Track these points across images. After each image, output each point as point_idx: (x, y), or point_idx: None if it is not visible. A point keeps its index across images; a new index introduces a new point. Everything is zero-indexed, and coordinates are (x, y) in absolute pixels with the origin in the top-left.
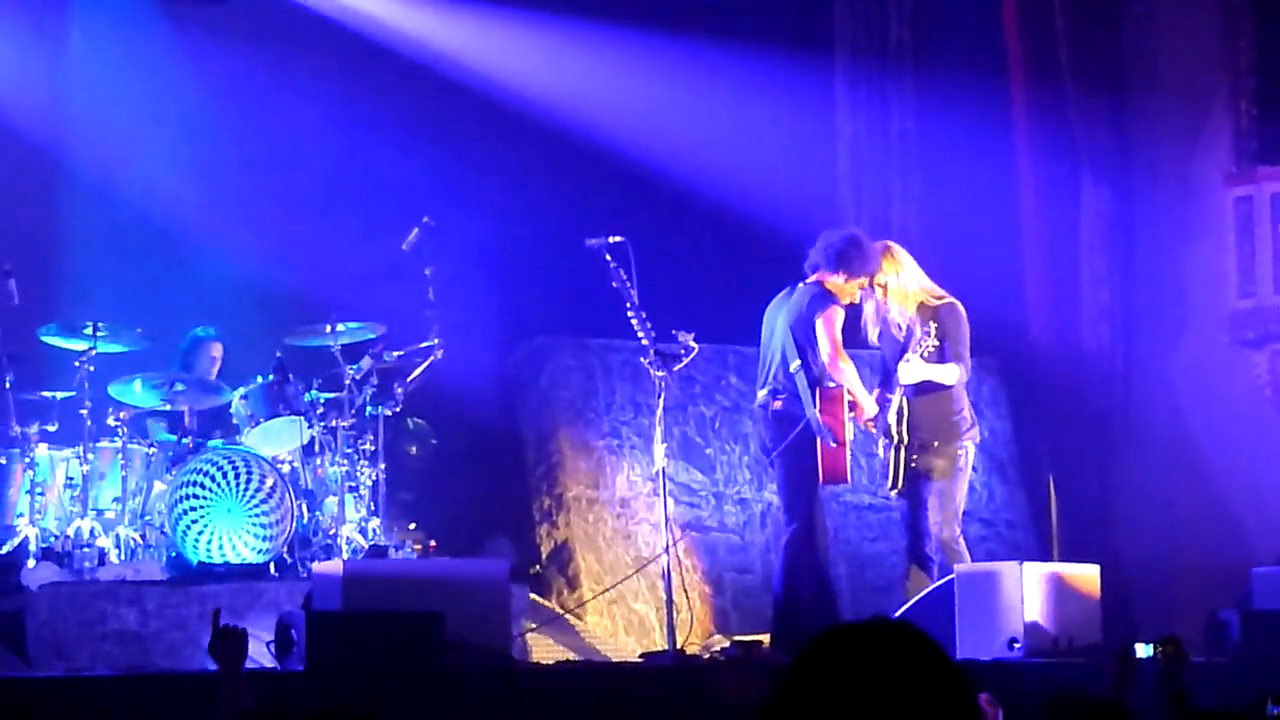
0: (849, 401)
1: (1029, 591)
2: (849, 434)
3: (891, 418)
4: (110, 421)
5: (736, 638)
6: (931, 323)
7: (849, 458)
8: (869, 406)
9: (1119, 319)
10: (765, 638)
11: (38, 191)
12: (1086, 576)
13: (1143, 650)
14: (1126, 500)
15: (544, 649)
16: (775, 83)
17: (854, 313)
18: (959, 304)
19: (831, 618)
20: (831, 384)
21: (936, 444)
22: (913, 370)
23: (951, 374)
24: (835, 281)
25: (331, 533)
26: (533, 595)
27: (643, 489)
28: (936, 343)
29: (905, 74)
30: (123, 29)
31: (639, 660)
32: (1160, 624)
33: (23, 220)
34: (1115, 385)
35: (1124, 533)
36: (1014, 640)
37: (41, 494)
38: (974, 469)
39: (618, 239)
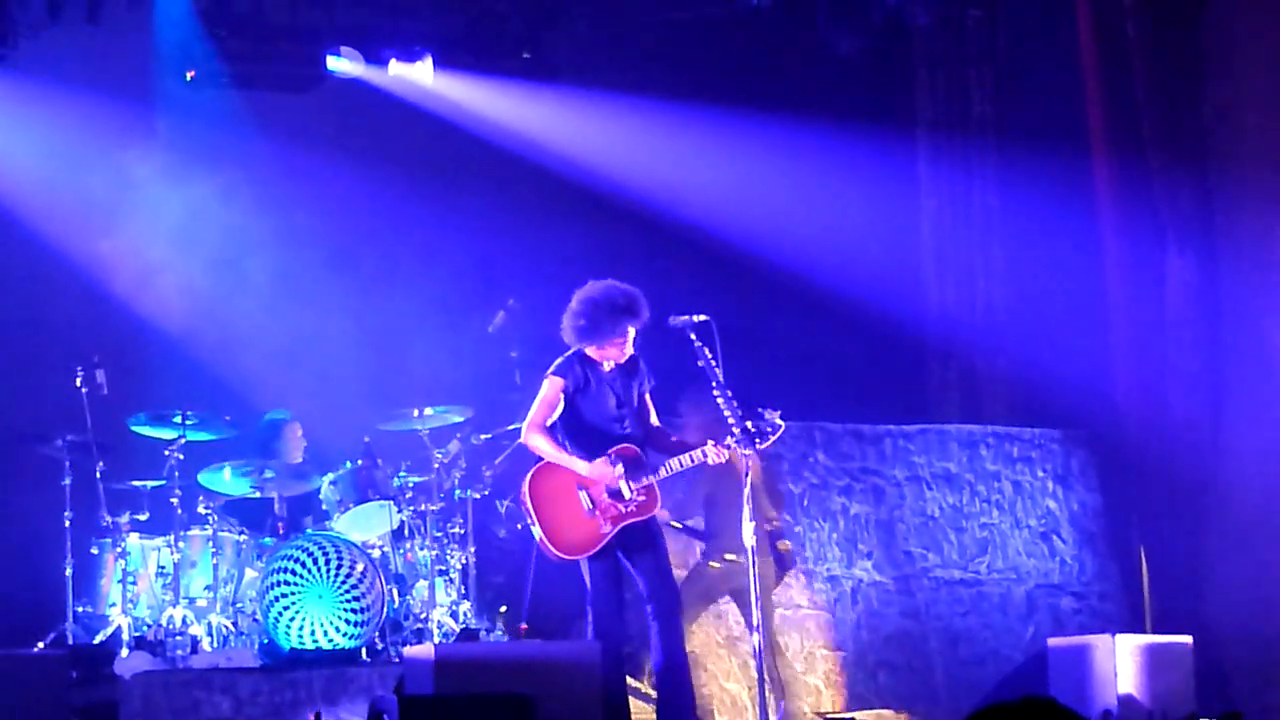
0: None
1: (1122, 664)
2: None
3: None
4: (200, 509)
5: (830, 715)
6: None
7: (547, 533)
8: (581, 469)
9: (1207, 388)
10: (859, 715)
11: (125, 285)
12: (1180, 648)
13: None
14: (1219, 570)
15: None
16: (858, 159)
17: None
18: None
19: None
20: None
21: None
22: None
23: None
24: (591, 348)
25: (422, 617)
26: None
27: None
28: None
29: (987, 148)
30: (207, 121)
31: None
32: (1256, 696)
33: (111, 313)
34: (1205, 455)
35: (1217, 603)
36: (1108, 713)
37: (133, 583)
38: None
39: (702, 318)
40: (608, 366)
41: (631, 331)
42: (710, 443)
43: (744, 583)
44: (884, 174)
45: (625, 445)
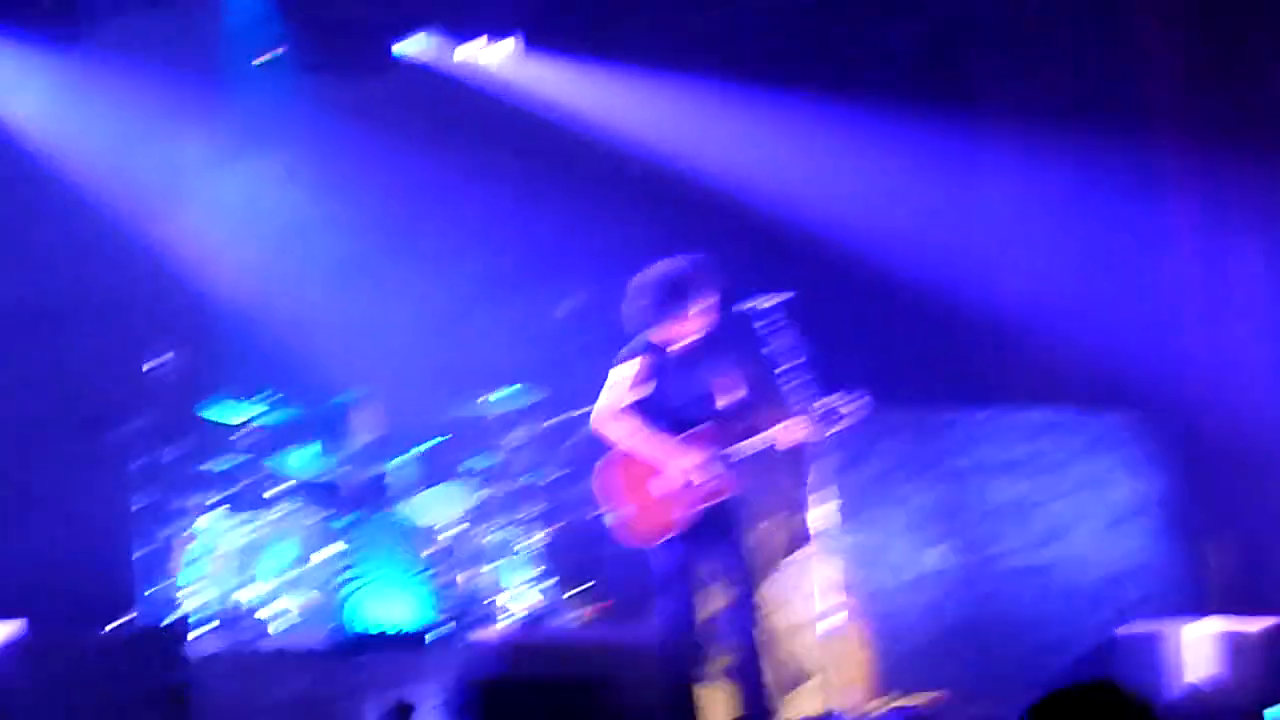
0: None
1: (1192, 651)
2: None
3: None
4: (270, 492)
5: (896, 701)
6: None
7: (620, 518)
8: (659, 456)
9: (1277, 372)
10: (921, 697)
11: (194, 268)
12: (1252, 635)
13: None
14: None
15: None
16: (925, 143)
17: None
18: None
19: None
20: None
21: None
22: None
23: None
24: (659, 331)
25: (492, 601)
26: None
27: (798, 553)
28: None
29: (1054, 131)
30: (275, 103)
31: None
32: None
33: (181, 295)
34: (1275, 437)
35: None
36: (1178, 701)
37: (203, 566)
38: None
39: (772, 300)
40: (676, 348)
41: (694, 309)
42: (782, 424)
43: (765, 555)
44: (951, 158)
45: (697, 429)
